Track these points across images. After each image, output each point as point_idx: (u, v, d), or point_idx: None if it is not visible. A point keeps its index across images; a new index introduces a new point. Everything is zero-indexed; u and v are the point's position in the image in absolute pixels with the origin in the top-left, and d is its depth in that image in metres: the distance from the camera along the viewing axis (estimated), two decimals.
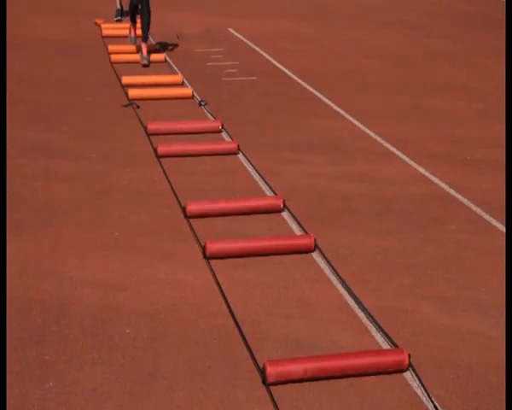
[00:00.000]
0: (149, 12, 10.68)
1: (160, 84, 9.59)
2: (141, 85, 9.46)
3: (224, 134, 7.95)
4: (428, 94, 9.72)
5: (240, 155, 7.39)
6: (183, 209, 6.08)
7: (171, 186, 6.61)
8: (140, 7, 10.66)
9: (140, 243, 5.63)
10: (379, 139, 7.98)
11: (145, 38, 10.74)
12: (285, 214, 6.15)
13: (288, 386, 4.10)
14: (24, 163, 7.05)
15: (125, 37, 11.99)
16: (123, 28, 12.57)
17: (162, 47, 11.63)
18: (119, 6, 13.64)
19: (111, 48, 11.15)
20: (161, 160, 7.19)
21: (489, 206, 6.40)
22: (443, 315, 4.81)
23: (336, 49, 12.12)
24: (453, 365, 4.32)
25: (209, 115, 8.58)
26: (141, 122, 8.23)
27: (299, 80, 10.17)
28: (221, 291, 4.99)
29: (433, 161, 7.37)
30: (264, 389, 4.07)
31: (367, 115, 8.72)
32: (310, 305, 4.89)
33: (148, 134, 7.84)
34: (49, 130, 7.99)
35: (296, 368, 4.10)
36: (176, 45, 11.91)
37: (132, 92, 9.02)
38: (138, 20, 11.08)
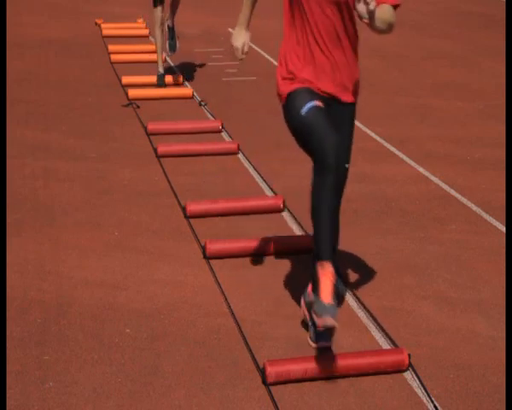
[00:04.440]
0: None
1: None
2: (141, 85, 9.46)
3: (224, 134, 7.95)
4: (428, 94, 9.71)
5: (240, 155, 7.39)
6: (183, 209, 6.08)
7: (171, 186, 6.60)
8: None
9: (140, 243, 5.63)
10: (379, 139, 7.97)
11: None
12: (285, 214, 6.15)
13: (288, 386, 4.09)
14: (24, 163, 7.04)
15: (125, 37, 11.95)
16: (123, 28, 12.57)
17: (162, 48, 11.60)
18: (161, 70, 9.54)
19: (111, 48, 11.14)
20: (161, 160, 7.19)
21: (489, 206, 6.40)
22: (443, 315, 4.81)
23: None
24: (453, 365, 4.32)
25: (209, 115, 8.57)
26: (141, 122, 8.22)
27: None
28: (221, 291, 4.99)
29: (432, 161, 7.37)
30: (264, 388, 4.07)
31: (367, 115, 8.71)
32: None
33: (148, 134, 7.84)
34: (49, 130, 7.99)
35: (296, 368, 4.10)
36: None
37: (132, 92, 9.02)
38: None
